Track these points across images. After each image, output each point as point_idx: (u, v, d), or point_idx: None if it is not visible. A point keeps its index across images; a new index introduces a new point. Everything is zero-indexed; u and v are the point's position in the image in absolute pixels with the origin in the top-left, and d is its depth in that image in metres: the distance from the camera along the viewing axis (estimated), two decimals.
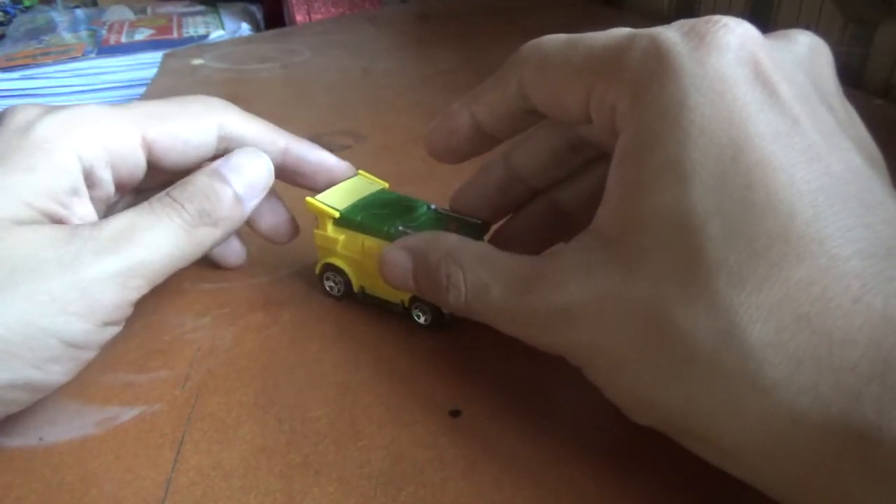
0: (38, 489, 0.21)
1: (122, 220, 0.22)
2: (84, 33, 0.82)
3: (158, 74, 0.60)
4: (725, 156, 0.16)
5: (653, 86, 0.17)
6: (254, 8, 0.91)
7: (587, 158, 0.25)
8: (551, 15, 0.72)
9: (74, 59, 0.73)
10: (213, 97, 0.28)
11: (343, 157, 0.29)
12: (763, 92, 0.17)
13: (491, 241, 0.27)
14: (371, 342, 0.26)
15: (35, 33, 0.82)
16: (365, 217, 0.26)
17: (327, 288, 0.28)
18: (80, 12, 0.91)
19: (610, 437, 0.22)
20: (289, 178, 0.29)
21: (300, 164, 0.28)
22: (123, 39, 0.78)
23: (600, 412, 0.20)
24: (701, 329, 0.16)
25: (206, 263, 0.31)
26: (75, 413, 0.23)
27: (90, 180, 0.24)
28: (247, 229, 0.29)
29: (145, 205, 0.23)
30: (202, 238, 0.24)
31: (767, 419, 0.15)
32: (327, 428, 0.23)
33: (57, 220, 0.22)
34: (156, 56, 0.68)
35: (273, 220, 0.29)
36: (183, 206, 0.23)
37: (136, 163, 0.25)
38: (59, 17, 0.88)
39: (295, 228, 0.30)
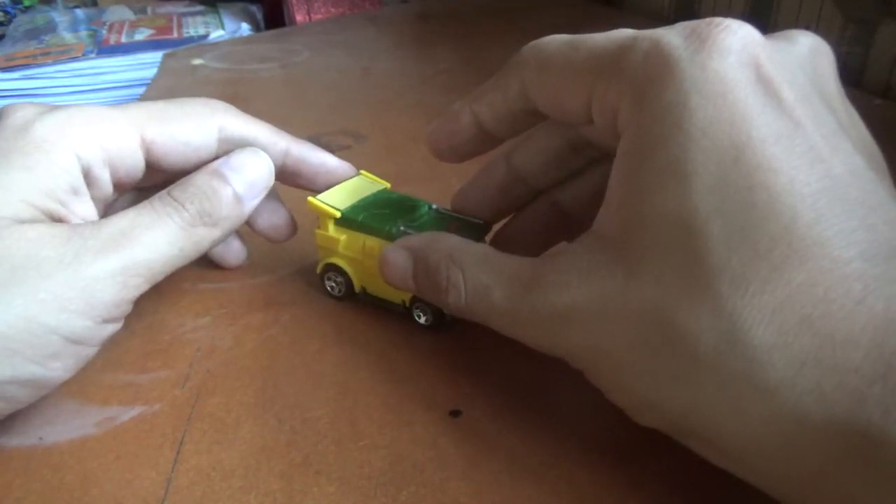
0: (38, 489, 0.21)
1: (123, 219, 0.23)
2: (84, 33, 0.82)
3: (158, 74, 0.60)
4: (727, 158, 0.16)
5: (654, 87, 0.17)
6: (254, 8, 0.91)
7: (589, 159, 0.25)
8: (551, 15, 0.72)
9: (74, 59, 0.73)
10: (213, 99, 0.28)
11: (343, 158, 0.29)
12: (765, 94, 0.17)
13: (492, 242, 0.27)
14: (371, 342, 0.26)
15: (35, 33, 0.82)
16: (366, 217, 0.26)
17: (328, 288, 0.28)
18: (80, 12, 0.91)
19: (610, 437, 0.22)
20: (289, 179, 0.29)
21: (301, 166, 0.28)
22: (123, 39, 0.78)
23: (601, 412, 0.20)
24: (704, 331, 0.16)
25: (206, 263, 0.31)
26: (75, 413, 0.23)
27: (88, 179, 0.24)
28: (246, 228, 0.29)
29: (146, 204, 0.23)
30: (202, 237, 0.24)
31: (771, 421, 0.15)
32: (327, 428, 0.23)
33: (57, 219, 0.23)
34: (156, 56, 0.68)
35: (271, 218, 0.29)
36: (183, 206, 0.24)
37: (134, 163, 0.25)
38: (59, 17, 0.88)
39: (293, 227, 0.30)
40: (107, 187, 0.25)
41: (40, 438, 0.22)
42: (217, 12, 0.88)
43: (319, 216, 0.27)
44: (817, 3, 0.53)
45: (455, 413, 0.23)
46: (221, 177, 0.25)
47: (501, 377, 0.24)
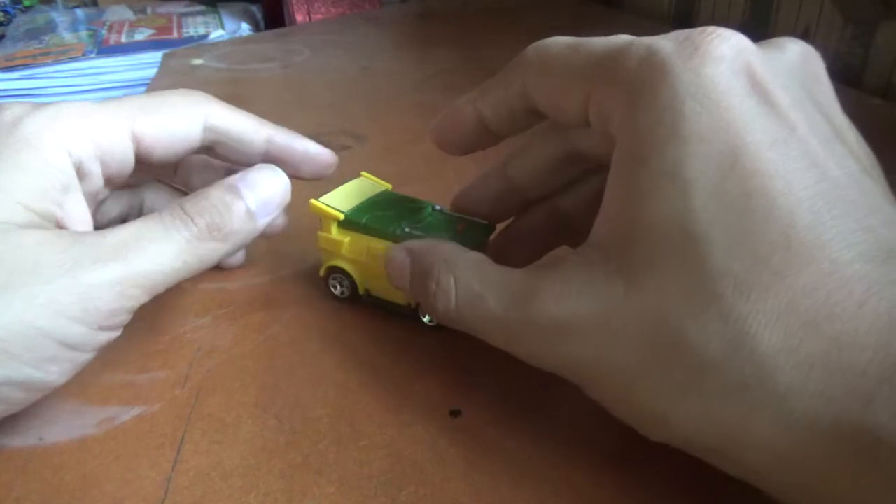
0: (38, 489, 0.21)
1: (128, 230, 0.22)
2: (84, 33, 0.82)
3: (158, 74, 0.60)
4: (724, 164, 0.16)
5: (647, 93, 0.17)
6: (254, 8, 0.91)
7: (585, 169, 0.25)
8: (551, 15, 0.72)
9: (74, 59, 0.73)
10: (195, 90, 0.28)
11: (343, 158, 0.29)
12: (758, 100, 0.17)
13: (494, 242, 0.27)
14: (371, 342, 0.26)
15: (35, 33, 0.82)
16: (370, 219, 0.26)
17: (332, 290, 0.28)
18: (80, 12, 0.91)
19: (611, 438, 0.22)
20: None
21: (284, 153, 0.28)
22: (123, 39, 0.78)
23: (601, 413, 0.20)
24: (710, 339, 0.16)
25: None
26: (75, 413, 0.23)
27: (79, 174, 0.24)
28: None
29: (155, 215, 0.23)
30: (209, 251, 0.24)
31: (782, 425, 0.15)
32: (327, 428, 0.23)
33: (52, 220, 0.22)
34: (156, 56, 0.68)
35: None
36: (192, 220, 0.23)
37: (124, 156, 0.25)
38: (59, 17, 0.88)
39: (284, 221, 0.29)
40: (98, 182, 0.25)
41: (40, 438, 0.22)
42: (217, 12, 0.88)
43: (321, 219, 0.27)
44: (817, 3, 0.53)
45: (455, 413, 0.23)
46: (236, 192, 0.25)
47: (501, 377, 0.24)
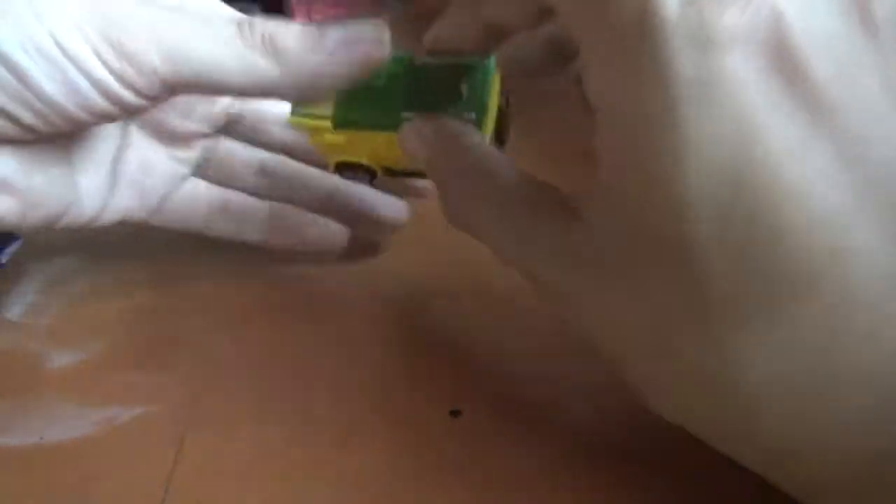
0: (38, 489, 0.21)
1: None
2: None
3: None
4: (726, 181, 0.14)
5: (637, 85, 0.15)
6: (254, 8, 0.91)
7: None
8: None
9: None
10: None
11: None
12: (780, 89, 0.14)
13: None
14: (371, 342, 0.26)
15: None
16: (361, 115, 0.24)
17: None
18: None
19: (611, 439, 0.22)
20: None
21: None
22: None
23: (601, 413, 0.20)
24: (708, 365, 0.16)
25: (207, 262, 0.30)
26: (75, 413, 0.23)
27: None
28: (242, 228, 0.29)
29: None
30: (251, 63, 0.20)
31: (768, 460, 0.16)
32: (327, 428, 0.23)
33: None
34: None
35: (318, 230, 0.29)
36: (247, 22, 0.21)
37: None
38: None
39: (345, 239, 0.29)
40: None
41: (40, 438, 0.22)
42: None
43: (309, 132, 0.25)
44: None
45: (455, 413, 0.23)
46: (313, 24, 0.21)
47: (501, 377, 0.24)
